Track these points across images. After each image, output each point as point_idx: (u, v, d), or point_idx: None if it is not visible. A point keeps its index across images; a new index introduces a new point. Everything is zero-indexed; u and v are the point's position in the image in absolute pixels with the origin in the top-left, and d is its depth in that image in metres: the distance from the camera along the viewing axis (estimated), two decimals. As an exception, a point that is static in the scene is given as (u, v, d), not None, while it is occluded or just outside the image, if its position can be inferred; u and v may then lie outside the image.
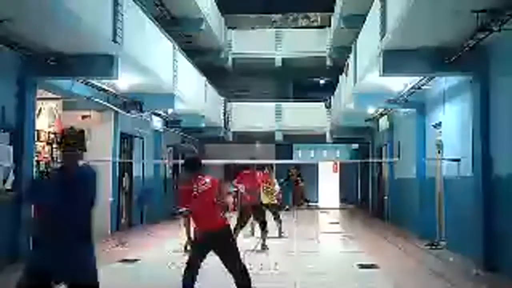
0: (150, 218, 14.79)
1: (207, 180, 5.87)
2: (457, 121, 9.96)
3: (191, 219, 5.77)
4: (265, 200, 11.77)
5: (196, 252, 5.70)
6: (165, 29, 12.76)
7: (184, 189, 5.92)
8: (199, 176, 5.90)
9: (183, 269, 5.62)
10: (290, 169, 22.91)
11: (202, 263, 5.64)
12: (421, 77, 10.39)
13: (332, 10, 20.45)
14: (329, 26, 22.02)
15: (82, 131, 4.03)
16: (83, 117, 12.97)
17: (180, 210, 5.76)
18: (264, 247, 10.35)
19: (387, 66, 9.11)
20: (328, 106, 21.76)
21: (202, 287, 5.88)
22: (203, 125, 18.23)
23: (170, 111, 15.60)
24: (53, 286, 3.84)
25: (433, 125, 11.65)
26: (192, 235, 5.83)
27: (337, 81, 18.14)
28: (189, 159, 6.24)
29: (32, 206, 3.83)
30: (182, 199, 5.87)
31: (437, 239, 10.87)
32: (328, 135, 22.06)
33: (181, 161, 10.62)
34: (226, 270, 5.64)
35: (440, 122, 11.07)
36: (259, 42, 23.33)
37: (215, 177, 6.05)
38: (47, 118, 11.59)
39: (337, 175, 26.68)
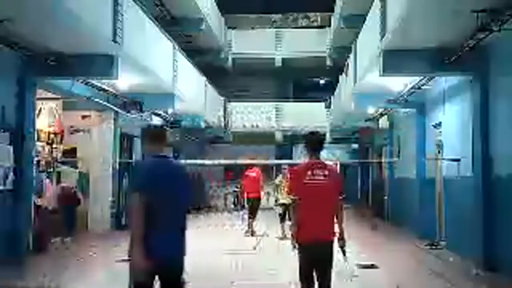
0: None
1: (326, 171, 4.48)
2: (457, 121, 9.96)
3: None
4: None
5: (305, 261, 4.62)
6: (165, 29, 12.76)
7: (295, 172, 4.64)
8: (318, 162, 4.50)
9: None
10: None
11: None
12: (421, 77, 10.38)
13: (332, 10, 20.46)
14: (329, 26, 22.03)
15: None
16: (83, 117, 12.99)
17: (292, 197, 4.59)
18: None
19: (387, 66, 9.10)
20: (328, 106, 21.75)
21: None
22: (203, 125, 18.22)
23: (170, 111, 15.59)
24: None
25: (433, 125, 11.65)
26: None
27: (337, 81, 18.13)
28: (312, 134, 4.68)
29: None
30: (293, 183, 4.59)
31: (437, 239, 10.86)
32: (328, 135, 22.06)
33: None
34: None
35: (440, 122, 11.07)
36: (259, 42, 23.35)
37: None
38: (47, 118, 11.61)
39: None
